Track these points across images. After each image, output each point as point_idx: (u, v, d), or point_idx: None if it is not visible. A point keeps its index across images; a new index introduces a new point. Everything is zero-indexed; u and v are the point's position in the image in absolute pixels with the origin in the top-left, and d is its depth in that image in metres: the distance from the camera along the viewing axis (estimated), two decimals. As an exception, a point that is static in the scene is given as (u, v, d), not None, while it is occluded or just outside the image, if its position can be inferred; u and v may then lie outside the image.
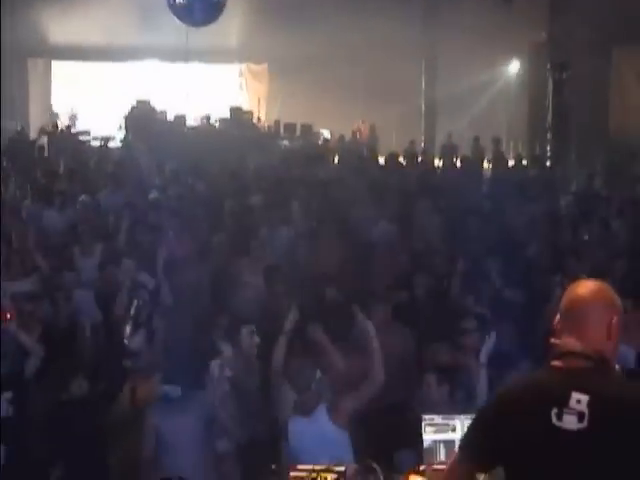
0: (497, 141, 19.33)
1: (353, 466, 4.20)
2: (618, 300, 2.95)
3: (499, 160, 17.74)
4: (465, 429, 3.13)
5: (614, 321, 2.90)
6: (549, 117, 20.18)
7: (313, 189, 11.83)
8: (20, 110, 24.66)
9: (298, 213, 10.67)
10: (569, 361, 2.88)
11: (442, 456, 4.62)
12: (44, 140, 19.95)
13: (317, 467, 4.17)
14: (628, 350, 5.46)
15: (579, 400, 2.77)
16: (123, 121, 21.50)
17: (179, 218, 9.90)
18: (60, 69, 27.01)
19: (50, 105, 26.06)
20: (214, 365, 6.10)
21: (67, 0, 23.51)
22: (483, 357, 5.65)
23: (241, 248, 8.78)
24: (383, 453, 4.70)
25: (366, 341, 5.70)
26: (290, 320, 6.01)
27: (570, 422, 2.77)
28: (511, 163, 17.89)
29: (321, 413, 5.34)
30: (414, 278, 7.90)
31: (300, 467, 4.22)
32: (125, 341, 6.11)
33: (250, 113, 23.55)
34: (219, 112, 22.73)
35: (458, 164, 17.58)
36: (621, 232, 10.28)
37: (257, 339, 6.21)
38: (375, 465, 4.12)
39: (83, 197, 11.03)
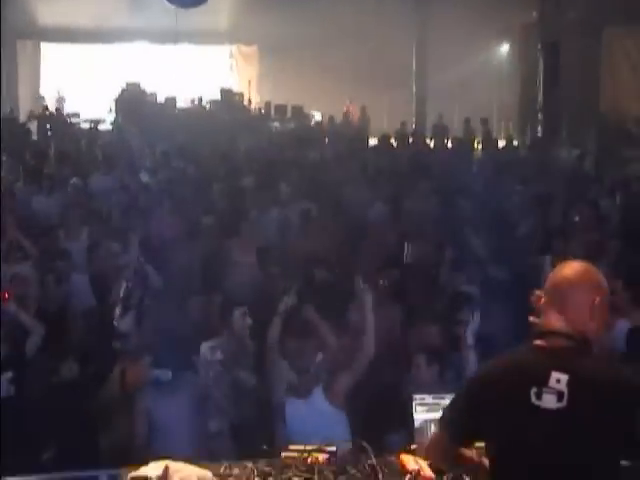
0: (485, 122, 19.35)
1: (345, 446, 4.21)
2: (604, 282, 2.96)
3: (488, 141, 17.77)
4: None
5: (597, 302, 2.90)
6: (540, 97, 20.17)
7: (304, 171, 11.82)
8: (10, 92, 24.50)
9: (289, 194, 10.67)
10: (551, 340, 2.89)
11: (433, 435, 4.65)
12: (34, 123, 19.85)
13: (309, 447, 4.18)
14: (625, 324, 5.56)
15: (559, 379, 2.78)
16: (113, 103, 21.44)
17: (170, 200, 9.89)
18: (49, 51, 26.86)
19: (39, 87, 25.93)
20: (205, 347, 6.12)
21: (56, -19, 23.42)
22: (470, 337, 5.67)
23: (232, 230, 8.79)
24: (374, 433, 4.71)
25: (362, 311, 5.74)
26: (285, 302, 6.03)
27: (549, 401, 2.79)
28: (502, 144, 17.91)
29: (317, 394, 5.36)
30: (403, 258, 7.90)
31: (292, 447, 4.23)
32: (114, 323, 6.11)
33: (241, 95, 23.48)
34: (209, 94, 22.66)
35: (449, 145, 17.60)
36: (612, 213, 10.30)
37: (249, 321, 6.22)
38: (366, 445, 4.13)
39: (74, 180, 11.00)
